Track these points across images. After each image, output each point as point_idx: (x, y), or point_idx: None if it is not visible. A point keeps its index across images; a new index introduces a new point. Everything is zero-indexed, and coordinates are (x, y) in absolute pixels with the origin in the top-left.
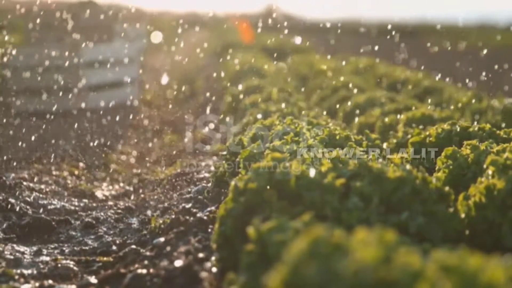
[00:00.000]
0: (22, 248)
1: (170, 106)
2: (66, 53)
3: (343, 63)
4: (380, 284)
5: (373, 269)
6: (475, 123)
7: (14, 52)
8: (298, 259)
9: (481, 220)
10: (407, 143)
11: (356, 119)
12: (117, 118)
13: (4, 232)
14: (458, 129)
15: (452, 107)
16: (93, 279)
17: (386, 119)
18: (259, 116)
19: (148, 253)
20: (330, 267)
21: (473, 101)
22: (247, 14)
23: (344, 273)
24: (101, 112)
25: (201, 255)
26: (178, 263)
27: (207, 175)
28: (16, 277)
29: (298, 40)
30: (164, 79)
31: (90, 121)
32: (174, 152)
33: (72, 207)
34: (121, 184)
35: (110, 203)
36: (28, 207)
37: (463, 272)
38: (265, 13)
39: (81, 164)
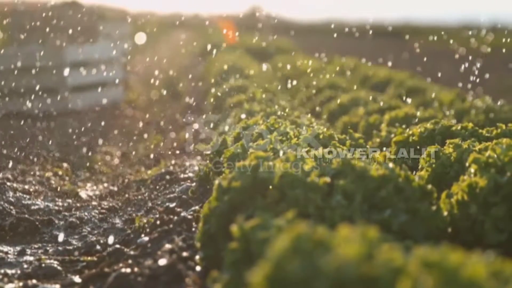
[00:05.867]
0: (5, 248)
1: (155, 106)
2: (50, 54)
3: (327, 63)
4: (362, 279)
5: (355, 265)
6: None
7: None
8: (281, 256)
9: (463, 217)
10: (391, 142)
11: (340, 119)
12: (101, 119)
13: None
14: (441, 128)
15: (435, 106)
16: (77, 279)
17: (370, 119)
18: (243, 116)
19: (132, 252)
20: (313, 263)
21: (456, 100)
22: (231, 15)
23: (327, 269)
24: (85, 112)
25: (185, 254)
26: (162, 262)
27: (191, 174)
28: (0, 277)
29: (282, 40)
30: (149, 80)
31: (74, 121)
32: (159, 152)
33: (56, 207)
34: (105, 184)
35: (94, 203)
36: (11, 207)
37: (445, 267)
38: (249, 14)
39: (65, 165)
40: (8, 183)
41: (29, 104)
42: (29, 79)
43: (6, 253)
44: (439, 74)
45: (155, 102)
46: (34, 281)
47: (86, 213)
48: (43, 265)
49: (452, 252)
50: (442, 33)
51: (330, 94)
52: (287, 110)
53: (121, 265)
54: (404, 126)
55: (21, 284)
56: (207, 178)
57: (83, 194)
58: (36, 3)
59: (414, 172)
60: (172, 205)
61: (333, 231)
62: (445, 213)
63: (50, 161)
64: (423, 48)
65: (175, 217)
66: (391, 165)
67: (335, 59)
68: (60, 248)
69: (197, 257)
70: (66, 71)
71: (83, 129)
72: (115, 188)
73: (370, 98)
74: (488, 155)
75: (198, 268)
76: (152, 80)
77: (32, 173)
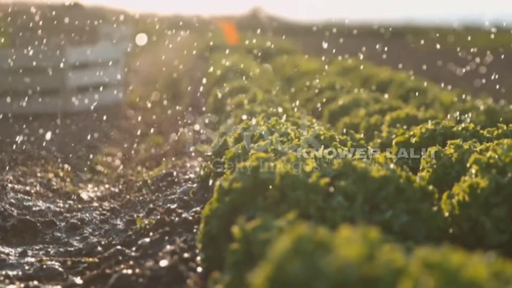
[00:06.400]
0: (7, 250)
1: (156, 107)
2: (51, 55)
3: (328, 64)
4: (363, 280)
5: (356, 266)
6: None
7: None
8: (282, 257)
9: (465, 218)
10: (392, 143)
11: (341, 120)
12: (102, 120)
13: None
14: (442, 129)
15: (436, 107)
16: (78, 280)
17: (371, 120)
18: (244, 116)
19: (133, 254)
20: (314, 264)
21: (457, 101)
22: (232, 16)
23: (328, 270)
24: (86, 113)
25: (186, 255)
26: (164, 263)
27: (192, 176)
28: (1, 278)
29: (283, 41)
30: (149, 81)
31: (75, 122)
32: (160, 154)
33: (57, 209)
34: (106, 186)
35: (95, 204)
36: (13, 208)
37: (446, 268)
38: (251, 15)
39: (66, 166)
40: (10, 185)
41: (30, 105)
42: (30, 80)
43: (8, 254)
44: (440, 75)
45: (156, 103)
46: (35, 282)
47: (87, 214)
48: (45, 266)
49: (453, 253)
50: (443, 33)
51: (331, 95)
52: (288, 111)
53: (122, 266)
54: (405, 126)
55: (22, 285)
56: (208, 179)
57: (84, 195)
58: (38, 4)
59: (415, 173)
60: (173, 206)
61: (334, 232)
62: (446, 214)
63: (51, 162)
64: (424, 49)
65: (176, 218)
66: (392, 166)
67: (336, 60)
68: (61, 249)
69: (198, 258)
70: (67, 72)
71: (84, 130)
72: (116, 189)
73: (371, 98)
74: (489, 156)
75: (199, 269)
76: (153, 81)
77: (33, 174)
